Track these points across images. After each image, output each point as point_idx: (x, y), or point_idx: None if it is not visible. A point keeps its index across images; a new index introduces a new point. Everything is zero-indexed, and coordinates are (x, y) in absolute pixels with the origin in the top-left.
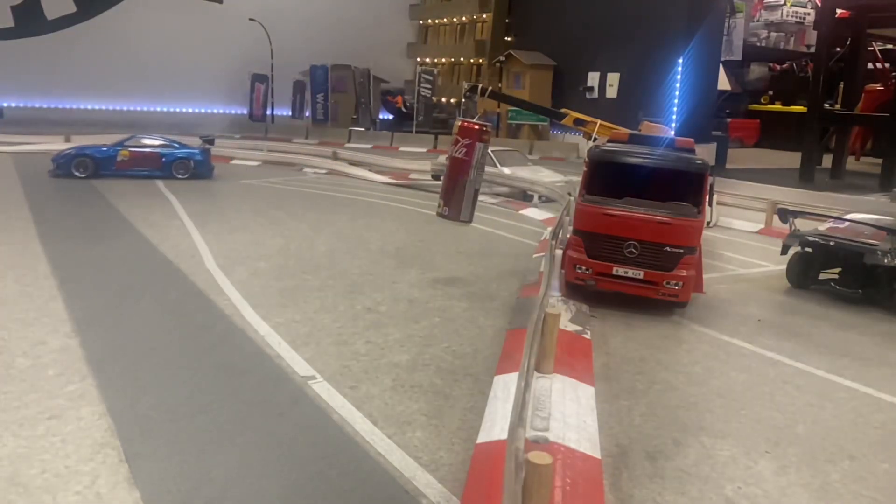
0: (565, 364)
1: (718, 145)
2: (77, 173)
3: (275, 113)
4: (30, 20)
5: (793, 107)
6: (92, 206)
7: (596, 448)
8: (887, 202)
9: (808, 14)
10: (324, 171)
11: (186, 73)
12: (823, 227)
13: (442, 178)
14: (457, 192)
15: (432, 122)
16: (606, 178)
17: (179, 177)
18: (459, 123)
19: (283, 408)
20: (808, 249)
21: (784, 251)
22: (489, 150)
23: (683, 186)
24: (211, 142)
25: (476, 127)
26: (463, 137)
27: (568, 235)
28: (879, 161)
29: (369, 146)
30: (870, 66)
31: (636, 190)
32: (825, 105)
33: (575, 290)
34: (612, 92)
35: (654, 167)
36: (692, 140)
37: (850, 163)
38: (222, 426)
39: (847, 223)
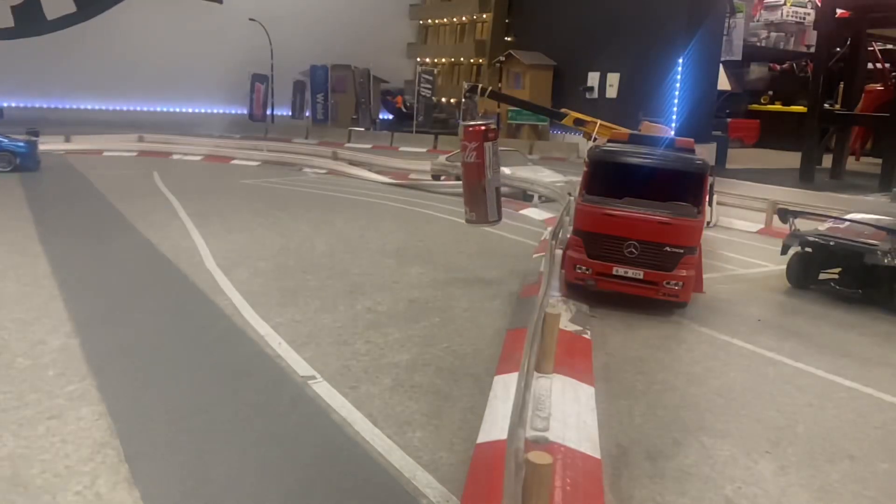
0: (565, 364)
1: (718, 145)
2: None
3: (275, 113)
4: (30, 20)
5: (793, 107)
6: (92, 206)
7: (596, 448)
8: (887, 202)
9: (808, 14)
10: (324, 171)
11: (186, 73)
12: (823, 227)
13: (461, 186)
14: (478, 196)
15: (432, 122)
16: (606, 178)
17: (1, 170)
18: (464, 128)
19: (283, 408)
20: (808, 249)
21: (784, 251)
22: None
23: (683, 186)
24: (36, 134)
25: (481, 128)
26: (470, 142)
27: (568, 235)
28: (879, 161)
29: (369, 146)
30: (870, 66)
31: (636, 190)
32: (825, 105)
33: (575, 290)
34: (612, 92)
35: (654, 167)
36: (692, 140)
37: (850, 163)
38: (222, 426)
39: (847, 223)
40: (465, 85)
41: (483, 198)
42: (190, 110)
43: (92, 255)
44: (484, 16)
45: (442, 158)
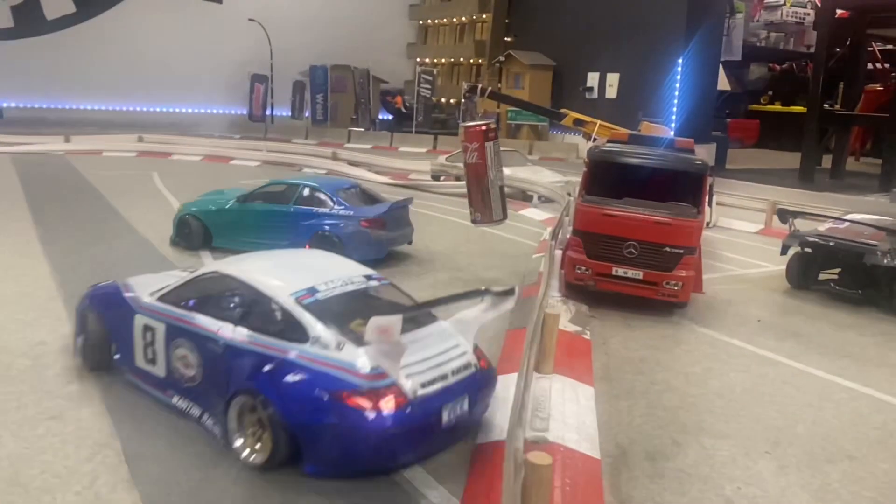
0: (565, 364)
1: (718, 145)
2: None
3: (274, 113)
4: (30, 20)
5: (792, 107)
6: (92, 206)
7: (595, 448)
8: (887, 202)
9: (808, 14)
10: (323, 172)
11: (186, 73)
12: (823, 227)
13: (465, 187)
14: (483, 195)
15: (432, 123)
16: (606, 178)
17: None
18: (464, 129)
19: None
20: (808, 250)
21: (784, 251)
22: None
23: (683, 187)
24: None
25: (481, 128)
26: (471, 142)
27: (567, 236)
28: (879, 161)
29: (369, 146)
30: (870, 66)
31: (636, 190)
32: (825, 105)
33: (575, 290)
34: (611, 92)
35: (654, 168)
36: (692, 140)
37: (850, 163)
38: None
39: (847, 223)
40: (465, 85)
41: (488, 198)
42: (190, 110)
43: (91, 255)
44: (483, 16)
45: (442, 159)
